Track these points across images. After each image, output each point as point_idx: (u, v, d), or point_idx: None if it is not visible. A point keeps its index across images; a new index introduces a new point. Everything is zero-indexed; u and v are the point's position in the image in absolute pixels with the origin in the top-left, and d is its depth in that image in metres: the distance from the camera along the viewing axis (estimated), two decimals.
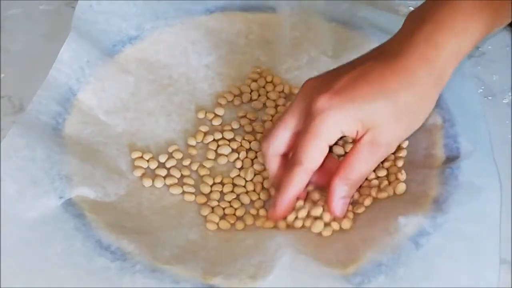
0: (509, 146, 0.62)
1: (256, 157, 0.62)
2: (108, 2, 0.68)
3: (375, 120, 0.53)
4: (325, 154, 0.54)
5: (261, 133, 0.64)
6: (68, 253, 0.53)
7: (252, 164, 0.62)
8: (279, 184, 0.57)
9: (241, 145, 0.63)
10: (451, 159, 0.59)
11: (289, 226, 0.57)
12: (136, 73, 0.67)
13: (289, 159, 0.56)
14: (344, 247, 0.55)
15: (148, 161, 0.62)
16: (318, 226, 0.56)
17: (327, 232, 0.56)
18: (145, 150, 0.63)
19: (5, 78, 0.68)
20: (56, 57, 0.63)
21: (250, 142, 0.63)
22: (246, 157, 0.63)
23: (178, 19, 0.70)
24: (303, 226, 0.57)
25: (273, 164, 0.58)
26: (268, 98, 0.67)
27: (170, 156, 0.63)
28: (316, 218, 0.57)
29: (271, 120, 0.65)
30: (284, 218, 0.57)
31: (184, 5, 0.70)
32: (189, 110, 0.66)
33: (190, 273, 0.53)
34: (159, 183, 0.60)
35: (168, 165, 0.62)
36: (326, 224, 0.57)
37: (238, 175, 0.62)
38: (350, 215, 0.58)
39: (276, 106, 0.66)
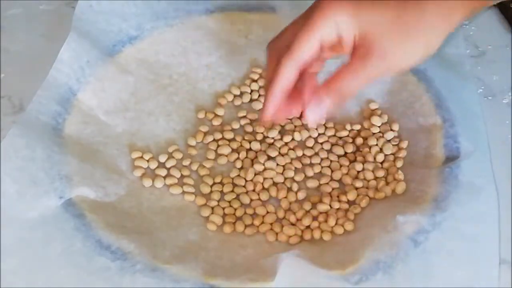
0: (509, 146, 0.62)
1: (256, 157, 0.62)
2: (108, 2, 0.68)
3: (375, 26, 0.51)
4: (316, 50, 0.52)
5: (261, 133, 0.64)
6: (68, 253, 0.53)
7: (252, 164, 0.62)
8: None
9: (241, 145, 0.63)
10: (451, 159, 0.59)
11: (300, 238, 0.58)
12: (136, 73, 0.67)
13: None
14: (344, 249, 0.55)
15: (148, 161, 0.62)
16: (327, 235, 0.57)
17: (328, 237, 0.57)
18: (145, 150, 0.63)
19: (5, 78, 0.68)
20: (56, 57, 0.63)
21: (250, 142, 0.63)
22: (246, 157, 0.63)
23: (178, 19, 0.70)
24: (312, 238, 0.57)
25: (271, 61, 0.55)
26: None
27: (170, 156, 0.63)
28: (325, 230, 0.57)
29: None
30: (274, 121, 0.55)
31: (184, 5, 0.70)
32: (189, 110, 0.66)
33: (190, 272, 0.53)
34: (159, 183, 0.60)
35: (168, 165, 0.62)
36: (330, 228, 0.57)
37: (238, 175, 0.62)
38: (351, 216, 0.58)
39: None
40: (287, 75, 0.53)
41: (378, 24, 0.51)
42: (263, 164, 0.62)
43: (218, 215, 0.59)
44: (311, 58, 0.53)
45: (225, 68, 0.69)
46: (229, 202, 0.60)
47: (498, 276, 0.53)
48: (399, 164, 0.61)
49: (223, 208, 0.59)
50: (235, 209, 0.59)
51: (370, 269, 0.52)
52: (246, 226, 0.58)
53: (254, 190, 0.60)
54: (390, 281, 0.52)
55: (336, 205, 0.59)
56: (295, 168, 0.62)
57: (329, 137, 0.64)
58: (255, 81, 0.68)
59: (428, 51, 0.52)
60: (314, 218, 0.59)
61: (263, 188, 0.61)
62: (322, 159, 0.62)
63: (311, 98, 0.53)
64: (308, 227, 0.58)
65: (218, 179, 0.61)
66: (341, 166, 0.62)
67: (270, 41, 0.56)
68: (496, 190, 0.57)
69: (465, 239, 0.54)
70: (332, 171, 0.61)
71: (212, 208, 0.59)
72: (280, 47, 0.54)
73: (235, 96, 0.67)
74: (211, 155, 0.63)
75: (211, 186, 0.61)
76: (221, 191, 0.61)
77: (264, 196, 0.60)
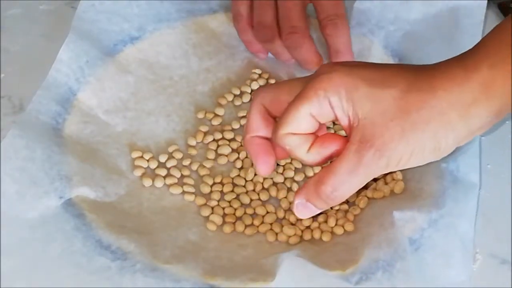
0: (509, 146, 0.62)
1: None
2: (111, 2, 0.68)
3: (372, 114, 0.46)
4: (310, 124, 0.48)
5: None
6: (68, 253, 0.53)
7: (252, 164, 0.62)
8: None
9: (241, 145, 0.63)
10: (449, 155, 0.59)
11: (300, 238, 0.57)
12: (136, 73, 0.67)
13: None
14: (344, 249, 0.55)
15: (148, 161, 0.62)
16: (327, 236, 0.57)
17: (328, 237, 0.57)
18: (145, 150, 0.63)
19: (5, 78, 0.68)
20: (56, 57, 0.63)
21: None
22: (246, 157, 0.63)
23: (180, 21, 0.70)
24: (312, 238, 0.57)
25: (254, 112, 0.52)
26: None
27: (170, 156, 0.62)
28: (325, 230, 0.57)
29: None
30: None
31: (188, 5, 0.70)
32: (189, 111, 0.66)
33: (190, 272, 0.53)
34: (159, 183, 0.60)
35: (168, 165, 0.62)
36: (330, 229, 0.57)
37: (238, 175, 0.62)
38: (351, 217, 0.58)
39: None
40: (292, 144, 0.49)
41: (376, 111, 0.46)
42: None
43: (218, 215, 0.59)
44: (310, 130, 0.49)
45: (225, 72, 0.69)
46: (229, 202, 0.60)
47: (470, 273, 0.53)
48: None
49: (223, 208, 0.59)
50: (235, 209, 0.59)
51: (370, 268, 0.52)
52: (246, 226, 0.58)
53: (254, 190, 0.60)
54: (389, 279, 0.52)
55: (335, 206, 0.59)
56: (295, 168, 0.62)
57: None
58: (256, 80, 0.68)
59: (438, 150, 0.47)
60: (314, 219, 0.58)
61: (263, 188, 0.61)
62: None
63: (298, 194, 0.50)
64: (308, 227, 0.58)
65: (218, 179, 0.61)
66: None
67: (259, 90, 0.52)
68: (480, 182, 0.57)
69: (459, 236, 0.54)
70: None
71: (212, 208, 0.59)
72: (267, 101, 0.51)
73: (235, 96, 0.67)
74: (211, 155, 0.63)
75: (211, 186, 0.61)
76: (221, 191, 0.61)
77: (264, 196, 0.60)
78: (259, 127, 0.52)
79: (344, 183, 0.47)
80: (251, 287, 0.52)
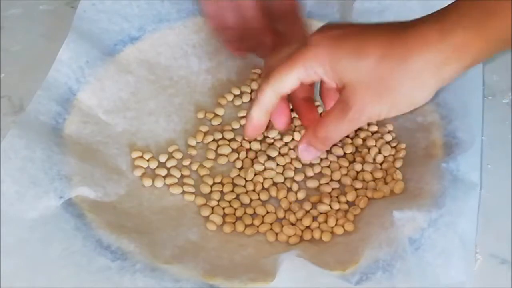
0: (509, 146, 0.62)
1: (256, 157, 0.62)
2: (111, 2, 0.68)
3: (353, 80, 0.52)
4: (295, 85, 0.54)
5: (262, 133, 0.64)
6: (68, 253, 0.53)
7: (252, 164, 0.62)
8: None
9: (241, 145, 0.63)
10: (449, 154, 0.59)
11: (300, 238, 0.57)
12: (136, 73, 0.67)
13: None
14: (344, 249, 0.55)
15: (148, 160, 0.62)
16: (327, 236, 0.57)
17: (328, 237, 0.57)
18: (145, 150, 0.63)
19: (5, 78, 0.68)
20: (56, 57, 0.63)
21: (250, 142, 0.63)
22: (246, 157, 0.63)
23: (181, 21, 0.70)
24: (312, 238, 0.57)
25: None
26: None
27: (170, 156, 0.63)
28: (325, 230, 0.57)
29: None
30: (255, 136, 0.59)
31: (187, 5, 0.70)
32: (189, 111, 0.66)
33: (190, 272, 0.53)
34: (159, 183, 0.60)
35: (168, 165, 0.62)
36: (330, 229, 0.57)
37: (238, 175, 0.62)
38: (351, 217, 0.58)
39: None
40: (266, 100, 0.55)
41: (355, 79, 0.52)
42: (263, 164, 0.62)
43: (218, 215, 0.59)
44: (292, 90, 0.55)
45: (224, 74, 0.69)
46: (229, 202, 0.60)
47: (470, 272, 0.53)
48: (398, 164, 0.61)
49: (223, 208, 0.59)
50: (235, 209, 0.59)
51: (370, 268, 0.52)
52: (246, 226, 0.58)
53: (254, 190, 0.60)
54: (389, 279, 0.52)
55: (336, 206, 0.59)
56: (295, 168, 0.62)
57: None
58: (255, 80, 0.68)
59: (414, 104, 0.53)
60: (314, 218, 0.59)
61: (263, 188, 0.61)
62: (321, 160, 0.62)
63: (301, 141, 0.57)
64: (308, 227, 0.58)
65: (218, 179, 0.61)
66: (340, 167, 0.62)
67: (268, 56, 0.58)
68: (481, 183, 0.57)
69: (459, 235, 0.54)
70: (331, 172, 0.61)
71: (212, 208, 0.59)
72: (274, 65, 0.55)
73: (235, 96, 0.67)
74: (211, 155, 0.63)
75: (211, 186, 0.61)
76: (221, 191, 0.61)
77: (264, 196, 0.60)
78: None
79: (333, 132, 0.55)
80: (251, 287, 0.52)
